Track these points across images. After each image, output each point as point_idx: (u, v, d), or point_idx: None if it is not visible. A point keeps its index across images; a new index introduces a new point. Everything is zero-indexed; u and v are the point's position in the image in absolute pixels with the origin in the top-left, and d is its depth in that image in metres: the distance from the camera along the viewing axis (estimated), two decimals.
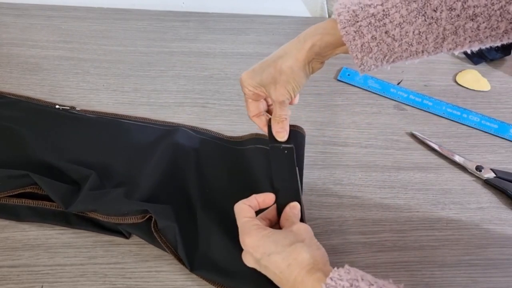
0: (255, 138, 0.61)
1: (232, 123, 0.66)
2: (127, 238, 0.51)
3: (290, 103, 0.48)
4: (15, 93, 0.68)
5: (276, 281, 0.40)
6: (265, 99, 0.50)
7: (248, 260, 0.42)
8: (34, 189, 0.50)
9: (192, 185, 0.55)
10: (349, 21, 0.39)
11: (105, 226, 0.51)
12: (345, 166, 0.61)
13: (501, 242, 0.53)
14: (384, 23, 0.38)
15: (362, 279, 0.36)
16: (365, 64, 0.41)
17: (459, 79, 0.76)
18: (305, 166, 0.60)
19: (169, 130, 0.62)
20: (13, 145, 0.57)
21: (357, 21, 0.39)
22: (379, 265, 0.51)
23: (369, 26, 0.39)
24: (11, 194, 0.50)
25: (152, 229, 0.48)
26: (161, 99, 0.69)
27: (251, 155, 0.59)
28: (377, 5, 0.38)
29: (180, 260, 0.48)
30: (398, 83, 0.75)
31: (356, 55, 0.40)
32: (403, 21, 0.38)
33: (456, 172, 0.61)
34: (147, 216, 0.48)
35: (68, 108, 0.65)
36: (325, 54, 0.43)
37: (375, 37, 0.39)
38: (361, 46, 0.39)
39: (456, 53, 0.41)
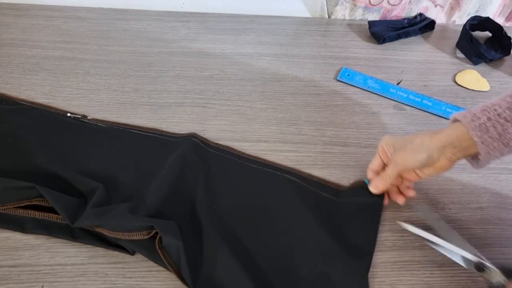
0: (284, 169, 0.59)
1: (232, 123, 0.66)
2: (132, 254, 0.50)
3: (408, 178, 0.55)
4: (16, 95, 0.68)
5: None
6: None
7: None
8: (41, 201, 0.50)
9: (200, 202, 0.54)
10: (465, 112, 0.49)
11: (111, 241, 0.50)
12: (345, 166, 0.61)
13: (501, 242, 0.53)
14: (495, 109, 0.47)
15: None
16: (485, 143, 0.47)
17: (459, 79, 0.76)
18: (305, 166, 0.60)
19: (179, 142, 0.61)
20: (22, 153, 0.57)
21: (471, 111, 0.48)
22: (379, 264, 0.51)
23: (483, 111, 0.47)
24: (17, 205, 0.50)
25: (156, 245, 0.47)
26: (161, 99, 0.69)
27: (275, 182, 0.58)
28: (483, 107, 0.48)
29: (183, 280, 0.47)
30: (398, 83, 0.75)
31: (476, 133, 0.47)
32: (510, 106, 0.46)
33: (456, 172, 0.61)
34: (153, 232, 0.47)
35: (79, 116, 0.65)
36: (455, 144, 0.49)
37: (490, 118, 0.47)
38: (479, 125, 0.47)
39: None
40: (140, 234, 0.47)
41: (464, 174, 0.61)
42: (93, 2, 0.87)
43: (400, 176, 0.56)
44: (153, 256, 0.48)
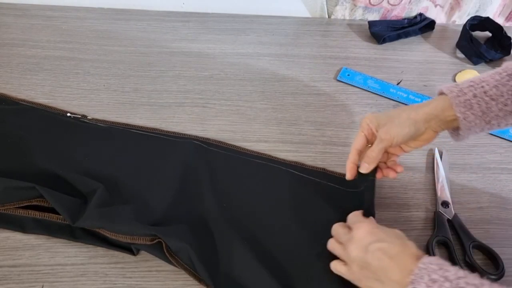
0: (288, 164, 0.60)
1: (232, 123, 0.66)
2: (134, 255, 0.50)
3: (393, 153, 0.55)
4: (16, 95, 0.68)
5: (378, 266, 0.42)
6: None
7: (353, 250, 0.45)
8: (41, 201, 0.50)
9: (207, 201, 0.54)
10: (452, 86, 0.49)
11: (112, 241, 0.50)
12: (345, 166, 0.61)
13: (501, 242, 0.54)
14: (482, 86, 0.47)
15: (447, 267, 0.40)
16: (467, 119, 0.47)
17: (459, 79, 0.76)
18: None
19: (180, 143, 0.61)
20: (22, 153, 0.57)
21: (458, 85, 0.48)
22: None
23: (470, 87, 0.47)
24: (17, 206, 0.50)
25: (167, 254, 0.47)
26: (161, 99, 0.69)
27: (281, 176, 0.58)
28: (471, 82, 0.48)
29: (201, 280, 0.47)
30: (398, 83, 0.75)
31: (459, 109, 0.47)
32: (498, 84, 0.47)
33: (456, 171, 0.61)
34: (156, 240, 0.47)
35: (79, 116, 0.65)
36: (441, 117, 0.49)
37: (476, 95, 0.47)
38: (464, 101, 0.47)
39: None
40: (143, 239, 0.47)
41: (464, 174, 0.61)
42: (93, 2, 0.87)
43: (386, 152, 0.55)
44: (162, 256, 0.48)
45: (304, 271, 0.49)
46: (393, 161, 0.55)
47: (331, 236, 0.50)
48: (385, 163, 0.55)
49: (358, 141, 0.53)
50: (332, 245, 0.49)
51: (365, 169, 0.52)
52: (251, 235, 0.51)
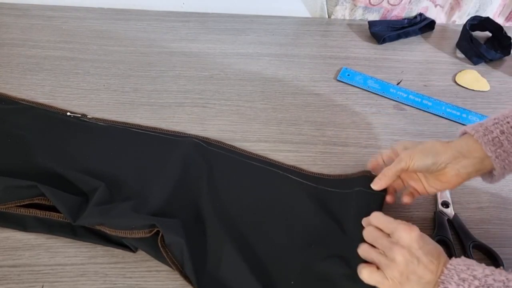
0: (286, 168, 0.60)
1: (232, 123, 0.66)
2: (134, 252, 0.50)
3: (414, 186, 0.53)
4: (16, 95, 0.68)
5: (422, 267, 0.42)
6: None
7: (398, 252, 0.43)
8: (42, 200, 0.50)
9: (203, 200, 0.54)
10: (476, 126, 0.47)
11: (112, 239, 0.50)
12: (345, 166, 0.61)
13: (501, 242, 0.54)
14: (508, 121, 0.46)
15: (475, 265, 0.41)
16: (499, 158, 0.45)
17: (459, 79, 0.76)
18: (305, 166, 0.61)
19: (180, 141, 0.61)
20: (23, 153, 0.57)
21: (482, 124, 0.47)
22: None
23: (495, 124, 0.46)
24: (19, 204, 0.50)
25: (159, 244, 0.47)
26: (161, 99, 0.69)
27: (277, 180, 0.58)
28: (495, 119, 0.47)
29: (185, 277, 0.47)
30: (398, 83, 0.75)
31: (489, 148, 0.45)
32: None
33: None
34: (155, 230, 0.47)
35: (79, 115, 0.65)
36: (468, 157, 0.47)
37: (503, 131, 0.45)
38: (492, 140, 0.45)
39: None
40: (142, 232, 0.47)
41: None
42: (93, 2, 0.87)
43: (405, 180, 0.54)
44: (156, 253, 0.48)
45: (291, 276, 0.48)
46: (409, 192, 0.54)
47: (323, 241, 0.50)
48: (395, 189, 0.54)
49: (385, 152, 0.54)
50: (366, 251, 0.46)
51: (377, 185, 0.51)
52: (242, 237, 0.51)
